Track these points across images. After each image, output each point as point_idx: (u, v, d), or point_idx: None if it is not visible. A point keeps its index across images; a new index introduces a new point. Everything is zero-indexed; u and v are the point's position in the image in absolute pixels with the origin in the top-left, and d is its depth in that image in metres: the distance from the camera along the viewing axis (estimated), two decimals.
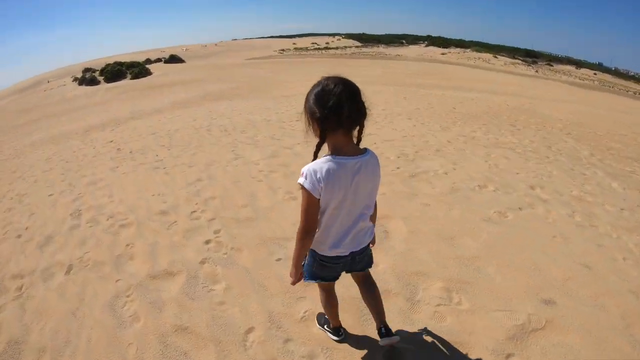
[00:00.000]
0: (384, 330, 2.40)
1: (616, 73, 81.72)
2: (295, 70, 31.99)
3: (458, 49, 76.83)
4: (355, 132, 1.91)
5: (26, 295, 3.81)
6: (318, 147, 1.89)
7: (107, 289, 3.68)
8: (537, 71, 55.65)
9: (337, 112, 1.74)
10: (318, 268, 2.16)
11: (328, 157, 1.85)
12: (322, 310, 2.74)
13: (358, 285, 2.52)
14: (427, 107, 11.96)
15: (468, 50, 75.52)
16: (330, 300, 2.49)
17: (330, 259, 2.11)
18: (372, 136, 8.11)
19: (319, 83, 1.83)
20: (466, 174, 5.88)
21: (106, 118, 15.14)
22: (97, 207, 5.63)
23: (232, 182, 5.93)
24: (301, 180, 1.85)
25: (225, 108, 13.38)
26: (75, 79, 39.64)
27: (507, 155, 7.04)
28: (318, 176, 1.81)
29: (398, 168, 6.21)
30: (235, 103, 14.53)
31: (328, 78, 1.82)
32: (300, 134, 6.50)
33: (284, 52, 69.36)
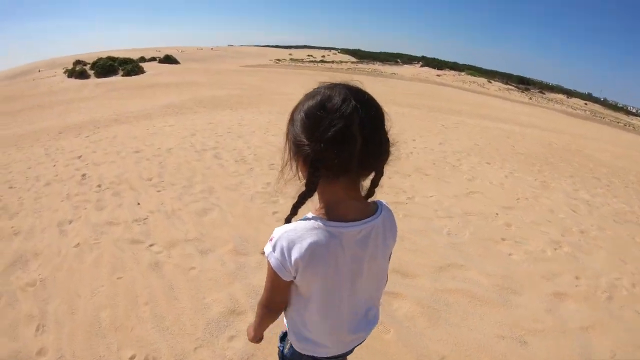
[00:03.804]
0: None
1: (605, 104, 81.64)
2: (296, 81, 28.99)
3: (453, 72, 76.02)
4: (367, 180, 1.09)
5: None
6: (301, 200, 1.04)
7: None
8: (530, 98, 54.51)
9: (341, 150, 0.92)
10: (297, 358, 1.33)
11: (317, 221, 1.03)
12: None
13: None
14: (484, 143, 9.55)
15: (463, 73, 74.91)
16: None
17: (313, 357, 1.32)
18: (476, 195, 5.56)
19: (314, 93, 1.00)
20: None
21: (87, 117, 12.47)
22: None
23: None
24: (267, 249, 1.08)
25: (230, 121, 10.15)
26: (66, 71, 37.34)
27: None
28: (294, 256, 1.02)
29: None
30: (241, 115, 11.34)
31: (331, 86, 0.99)
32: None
33: (280, 62, 66.74)
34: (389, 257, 1.26)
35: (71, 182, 5.59)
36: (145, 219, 4.19)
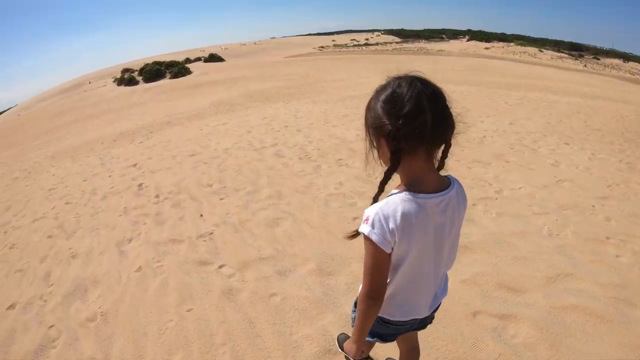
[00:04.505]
0: None
1: None
2: (343, 67, 28.28)
3: (501, 43, 73.23)
4: (439, 154, 1.25)
5: None
6: (387, 176, 1.20)
7: None
8: (585, 65, 51.27)
9: (416, 122, 1.10)
10: (379, 327, 1.51)
11: (404, 194, 1.20)
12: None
13: (402, 345, 1.90)
14: (555, 120, 8.66)
15: (512, 44, 72.00)
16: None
17: (399, 321, 1.48)
18: (566, 184, 4.88)
19: (386, 85, 1.20)
20: None
21: (140, 122, 12.42)
22: None
23: None
24: (365, 229, 1.20)
25: (285, 114, 9.69)
26: (115, 80, 38.45)
27: None
28: (391, 226, 1.18)
29: None
30: (295, 106, 10.88)
31: (399, 77, 1.18)
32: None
33: (324, 49, 66.16)
34: (460, 228, 1.38)
35: (128, 193, 5.33)
36: (210, 234, 3.77)
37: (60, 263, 3.74)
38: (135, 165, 6.81)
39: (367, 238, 1.20)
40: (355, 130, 7.32)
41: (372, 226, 1.18)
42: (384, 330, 1.53)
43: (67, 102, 32.19)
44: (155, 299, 2.90)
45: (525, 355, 2.29)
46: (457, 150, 6.51)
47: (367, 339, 1.52)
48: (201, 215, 4.20)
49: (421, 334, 2.36)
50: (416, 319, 1.49)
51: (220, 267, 3.20)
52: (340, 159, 5.66)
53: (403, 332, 1.59)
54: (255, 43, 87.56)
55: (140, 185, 5.58)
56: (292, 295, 2.78)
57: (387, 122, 1.12)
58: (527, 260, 3.19)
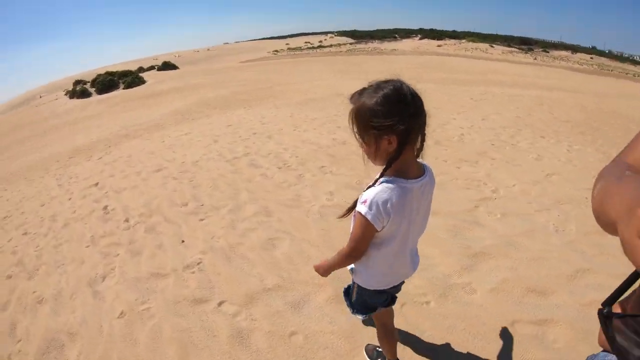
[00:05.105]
0: None
1: (611, 56, 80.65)
2: (300, 70, 28.07)
3: (453, 40, 75.32)
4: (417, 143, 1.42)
5: None
6: (389, 165, 1.37)
7: None
8: (535, 58, 53.66)
9: (420, 120, 1.33)
10: (371, 297, 1.70)
11: (396, 181, 1.38)
12: (372, 341, 2.28)
13: None
14: (524, 114, 8.77)
15: (463, 41, 74.25)
16: (389, 335, 1.97)
17: (391, 288, 1.72)
18: (554, 178, 4.85)
19: (383, 86, 1.30)
20: None
21: (96, 136, 11.71)
22: None
23: None
24: (363, 209, 1.37)
25: (251, 120, 9.24)
26: (67, 92, 37.05)
27: None
28: (388, 206, 1.35)
29: None
30: (258, 112, 10.45)
31: (392, 79, 1.34)
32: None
33: (278, 53, 65.82)
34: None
35: (92, 218, 4.77)
36: (198, 263, 3.27)
37: (26, 311, 3.18)
38: (96, 184, 6.20)
39: (363, 216, 1.35)
40: (328, 134, 6.96)
41: (370, 208, 1.34)
42: (377, 299, 1.70)
43: (17, 118, 30.49)
44: (151, 353, 2.40)
45: (570, 358, 2.18)
46: (440, 149, 6.33)
47: (364, 316, 1.77)
48: (183, 241, 3.69)
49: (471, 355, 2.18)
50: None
51: (220, 304, 2.73)
52: (323, 166, 5.26)
53: (394, 293, 1.76)
54: (208, 49, 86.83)
55: (105, 207, 5.01)
56: (315, 331, 2.38)
57: (398, 121, 1.25)
58: (544, 260, 3.09)
